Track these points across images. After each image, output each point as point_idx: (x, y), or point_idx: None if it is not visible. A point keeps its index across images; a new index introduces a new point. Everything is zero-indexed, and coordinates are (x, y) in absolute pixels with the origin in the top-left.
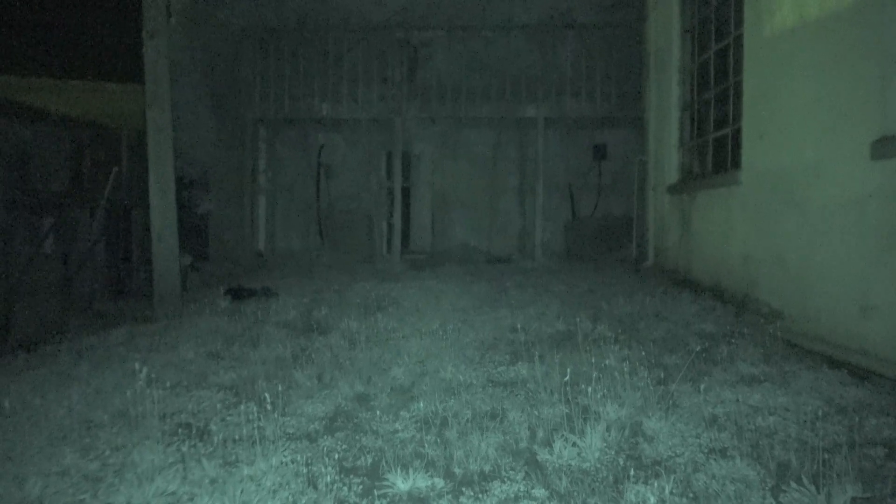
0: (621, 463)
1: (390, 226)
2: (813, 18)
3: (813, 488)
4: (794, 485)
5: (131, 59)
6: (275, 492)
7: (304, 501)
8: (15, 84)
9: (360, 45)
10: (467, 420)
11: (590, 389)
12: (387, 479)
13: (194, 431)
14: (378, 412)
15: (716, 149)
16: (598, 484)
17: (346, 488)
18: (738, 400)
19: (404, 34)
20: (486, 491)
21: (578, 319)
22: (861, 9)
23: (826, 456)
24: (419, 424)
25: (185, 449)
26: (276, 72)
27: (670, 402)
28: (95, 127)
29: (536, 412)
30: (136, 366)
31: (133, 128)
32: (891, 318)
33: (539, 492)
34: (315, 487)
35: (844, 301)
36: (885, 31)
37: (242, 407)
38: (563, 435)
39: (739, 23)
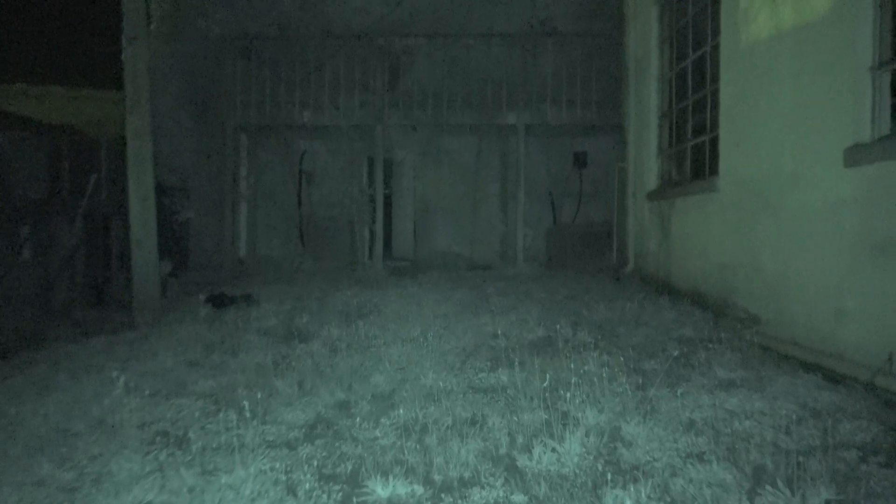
0: (600, 468)
1: (372, 233)
2: (787, 28)
3: (788, 491)
4: (769, 488)
5: (111, 66)
6: (253, 500)
7: None
8: None
9: (341, 52)
10: (447, 426)
11: (569, 395)
12: (366, 486)
13: (173, 440)
14: (358, 419)
15: (694, 156)
16: (576, 489)
17: (325, 496)
18: (715, 404)
19: (385, 42)
20: (466, 497)
21: (559, 326)
22: (834, 19)
23: (801, 459)
24: (399, 431)
25: (163, 458)
26: (258, 79)
27: (649, 407)
28: (74, 133)
29: (516, 418)
30: (115, 374)
31: (112, 135)
32: (864, 322)
33: (518, 497)
34: (294, 495)
35: (819, 306)
36: (856, 41)
37: (222, 415)
38: (542, 440)
39: (716, 32)
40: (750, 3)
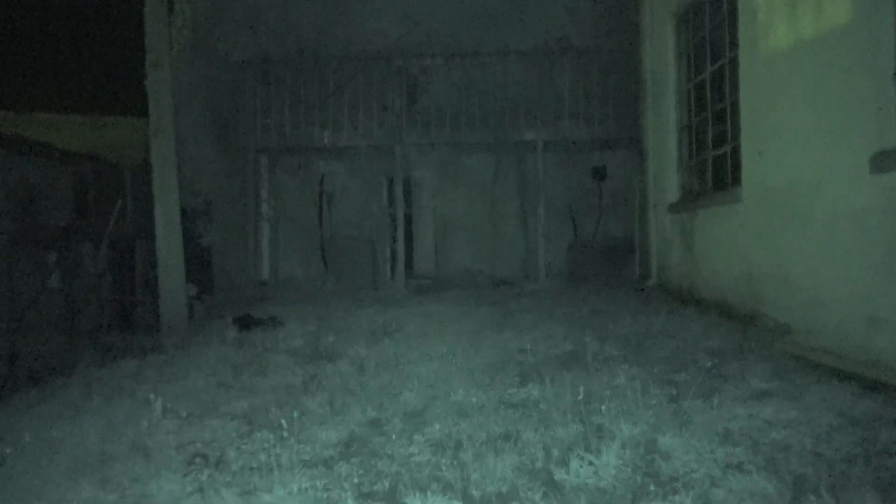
0: (638, 480)
1: (393, 252)
2: (807, 38)
3: (832, 500)
4: (812, 497)
5: (133, 93)
6: None
7: None
8: (19, 119)
9: (359, 73)
10: (482, 442)
11: (602, 408)
12: (405, 503)
13: (211, 461)
14: (392, 436)
15: (715, 167)
16: (616, 501)
17: None
18: (750, 415)
19: (403, 62)
20: None
21: (586, 340)
22: (854, 27)
23: (842, 467)
24: (434, 448)
25: (203, 478)
26: (277, 101)
27: (683, 418)
28: (99, 161)
29: (550, 432)
30: (151, 396)
31: (135, 161)
32: None
33: None
34: None
35: (851, 314)
36: (878, 48)
37: (257, 435)
38: (578, 454)
39: (734, 45)
40: (768, 15)
